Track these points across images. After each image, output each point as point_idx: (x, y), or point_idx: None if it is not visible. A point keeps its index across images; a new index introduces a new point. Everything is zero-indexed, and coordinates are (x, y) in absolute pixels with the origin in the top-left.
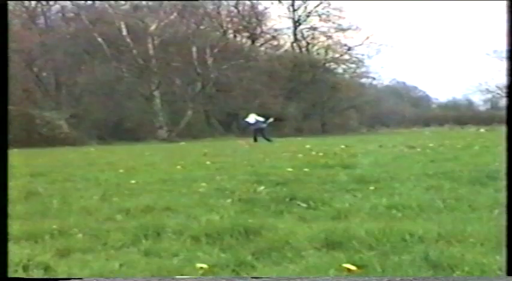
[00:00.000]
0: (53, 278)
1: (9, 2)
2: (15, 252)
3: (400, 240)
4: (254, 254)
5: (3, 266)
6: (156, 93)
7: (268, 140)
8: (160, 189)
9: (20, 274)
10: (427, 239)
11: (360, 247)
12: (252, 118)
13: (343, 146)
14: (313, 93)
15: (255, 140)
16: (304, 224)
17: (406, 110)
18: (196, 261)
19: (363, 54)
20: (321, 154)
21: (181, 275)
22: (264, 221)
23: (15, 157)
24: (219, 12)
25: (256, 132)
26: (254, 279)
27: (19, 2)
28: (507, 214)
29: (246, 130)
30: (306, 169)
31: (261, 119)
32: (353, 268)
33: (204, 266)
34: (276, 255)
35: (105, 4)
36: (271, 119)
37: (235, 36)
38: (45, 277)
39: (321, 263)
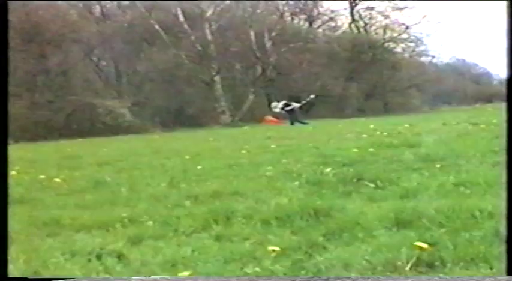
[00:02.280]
0: (53, 278)
1: (9, 2)
2: (87, 241)
3: (470, 217)
4: (325, 236)
5: (3, 266)
6: (217, 78)
7: (302, 122)
8: (227, 174)
9: (94, 263)
10: (497, 214)
11: (430, 225)
12: (277, 108)
13: (406, 126)
14: (373, 74)
15: (292, 123)
16: (373, 204)
17: (467, 87)
18: (267, 244)
19: (421, 33)
20: (385, 133)
21: (254, 258)
22: (333, 203)
23: (80, 147)
24: None
25: (291, 116)
26: (254, 279)
27: None
28: (507, 214)
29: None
30: (371, 149)
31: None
32: (425, 246)
33: (276, 249)
34: (347, 235)
35: None
36: (303, 102)
37: (292, 18)
38: (49, 277)
39: (392, 242)
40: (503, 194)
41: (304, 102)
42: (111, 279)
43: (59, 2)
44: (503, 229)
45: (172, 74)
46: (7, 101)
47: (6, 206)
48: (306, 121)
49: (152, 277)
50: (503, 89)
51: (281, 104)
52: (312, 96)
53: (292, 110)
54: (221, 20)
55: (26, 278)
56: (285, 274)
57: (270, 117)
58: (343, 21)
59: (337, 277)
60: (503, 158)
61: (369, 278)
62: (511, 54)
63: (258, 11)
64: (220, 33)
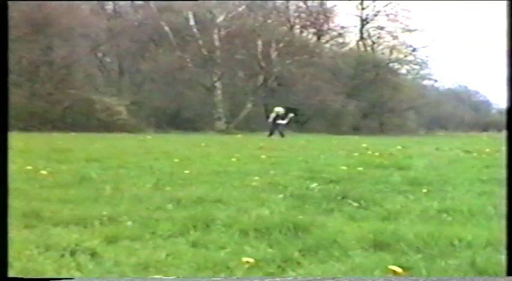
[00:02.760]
0: (53, 278)
1: (9, 2)
2: (63, 236)
3: (449, 244)
4: (301, 251)
5: (3, 266)
6: (218, 84)
7: (282, 135)
8: (213, 181)
9: (67, 259)
10: (476, 245)
11: (407, 249)
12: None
13: (399, 147)
14: (374, 93)
15: (271, 134)
16: (354, 224)
17: (465, 114)
18: (242, 255)
19: (427, 56)
20: (376, 153)
21: (227, 268)
22: (314, 219)
23: (72, 141)
24: (287, 7)
25: (274, 127)
26: (254, 279)
27: None
28: (507, 214)
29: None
30: (360, 168)
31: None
32: (399, 270)
33: (251, 260)
34: (323, 253)
35: None
36: (291, 115)
37: (301, 31)
38: (44, 277)
39: (367, 264)
40: (504, 194)
41: (288, 120)
42: (111, 279)
43: None
44: (480, 259)
45: (174, 76)
46: (7, 101)
47: (6, 206)
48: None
49: (150, 277)
50: (501, 118)
51: (275, 113)
52: (291, 115)
53: (278, 123)
54: (231, 26)
55: (26, 278)
56: None
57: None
58: (352, 38)
59: (334, 277)
60: (490, 188)
61: (368, 278)
62: (511, 56)
63: (269, 21)
64: (227, 40)
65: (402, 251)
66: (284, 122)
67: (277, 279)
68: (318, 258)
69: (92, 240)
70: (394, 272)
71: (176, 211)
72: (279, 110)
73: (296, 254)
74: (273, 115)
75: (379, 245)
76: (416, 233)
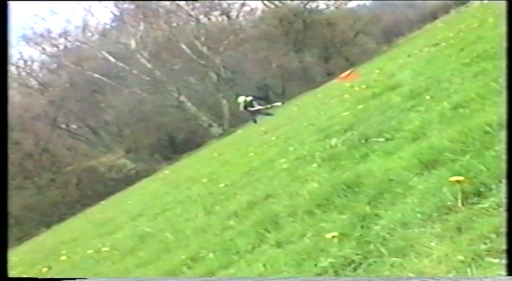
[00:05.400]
0: (53, 278)
1: (9, 2)
2: None
3: (483, 133)
4: (370, 204)
5: (3, 266)
6: (182, 98)
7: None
8: (249, 181)
9: None
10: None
11: (453, 155)
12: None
13: (377, 71)
14: (316, 37)
15: (255, 121)
16: (393, 157)
17: (408, 14)
18: (324, 232)
19: None
20: (363, 86)
21: (321, 251)
22: (357, 170)
23: (106, 209)
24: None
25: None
26: (255, 279)
27: None
28: (507, 214)
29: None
30: (360, 106)
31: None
32: (460, 178)
33: (335, 234)
34: (389, 196)
35: None
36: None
37: (209, 19)
38: (44, 277)
39: (431, 187)
40: (504, 195)
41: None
42: (113, 279)
43: None
44: None
45: (141, 112)
46: (7, 101)
47: (6, 206)
48: (270, 112)
49: (150, 277)
50: (440, 3)
51: (242, 102)
52: (269, 105)
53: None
54: (146, 48)
55: (26, 278)
56: (357, 254)
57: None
58: (255, 2)
59: (334, 277)
60: (480, 65)
61: (368, 278)
62: (511, 54)
63: (174, 24)
64: (156, 59)
65: (450, 159)
66: (259, 107)
67: (277, 279)
68: (388, 202)
69: None
70: (458, 181)
71: (240, 224)
72: (242, 99)
73: (367, 208)
74: (241, 105)
75: (427, 165)
76: (449, 137)
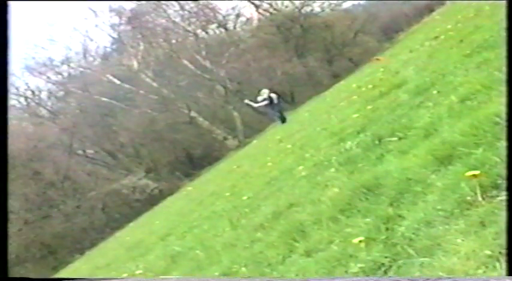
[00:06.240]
0: (53, 279)
1: (9, 1)
2: None
3: (493, 124)
4: (392, 205)
5: (3, 266)
6: (193, 114)
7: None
8: (271, 192)
9: None
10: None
11: (466, 149)
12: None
13: (381, 69)
14: (315, 41)
15: (283, 121)
16: (408, 155)
17: (404, 8)
18: (350, 238)
19: None
20: (370, 86)
21: (350, 256)
22: (375, 171)
23: (134, 231)
24: (174, 22)
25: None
26: (254, 279)
27: None
28: (507, 214)
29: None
30: (369, 107)
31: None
32: (477, 172)
33: (361, 238)
34: (409, 195)
35: None
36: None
37: (206, 33)
38: (44, 277)
39: (450, 183)
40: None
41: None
42: (113, 279)
43: None
44: None
45: (154, 131)
46: (7, 101)
47: (6, 207)
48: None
49: (150, 277)
50: None
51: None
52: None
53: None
54: (149, 67)
55: (26, 278)
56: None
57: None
58: (250, 12)
59: (332, 278)
60: (482, 55)
61: (368, 278)
62: (511, 54)
63: (173, 41)
64: (161, 77)
65: (464, 154)
66: (260, 104)
67: (278, 279)
68: (409, 202)
69: None
70: (475, 175)
71: (267, 236)
72: (265, 91)
73: (390, 210)
74: (262, 97)
75: (443, 161)
76: (460, 131)
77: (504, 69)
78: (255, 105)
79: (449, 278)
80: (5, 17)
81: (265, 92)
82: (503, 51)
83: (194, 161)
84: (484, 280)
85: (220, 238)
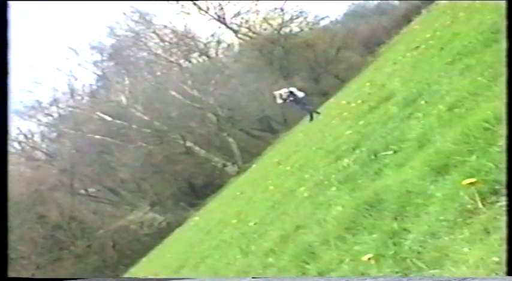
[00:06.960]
0: (53, 279)
1: (9, 1)
2: None
3: (483, 130)
4: (396, 219)
5: (3, 266)
6: (189, 144)
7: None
8: (276, 216)
9: None
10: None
11: (461, 158)
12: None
13: (368, 84)
14: (298, 61)
15: (312, 118)
16: (405, 168)
17: (381, 21)
18: (359, 256)
19: (297, 5)
20: (359, 101)
21: (362, 274)
22: (374, 187)
23: (151, 266)
24: (156, 54)
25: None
26: (254, 279)
27: None
28: (507, 214)
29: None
30: (361, 122)
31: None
32: (473, 180)
33: (370, 255)
34: (411, 208)
35: None
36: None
37: (189, 61)
38: (44, 277)
39: (449, 193)
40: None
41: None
42: (114, 279)
43: None
44: None
45: (152, 164)
46: (7, 101)
47: (6, 207)
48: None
49: (151, 277)
50: (410, 4)
51: (284, 94)
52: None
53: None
54: (138, 101)
55: (26, 278)
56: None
57: None
58: (230, 37)
59: (328, 278)
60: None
61: (369, 278)
62: (511, 54)
63: (158, 73)
64: (151, 110)
65: (460, 162)
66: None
67: (278, 279)
68: (412, 215)
69: None
70: (472, 183)
71: (279, 260)
72: (279, 93)
73: (395, 225)
74: (283, 92)
75: (439, 171)
76: (452, 140)
77: (504, 69)
78: (280, 101)
79: (449, 278)
80: (5, 17)
81: (284, 91)
82: (483, 56)
83: (197, 191)
84: (484, 280)
85: (232, 266)
